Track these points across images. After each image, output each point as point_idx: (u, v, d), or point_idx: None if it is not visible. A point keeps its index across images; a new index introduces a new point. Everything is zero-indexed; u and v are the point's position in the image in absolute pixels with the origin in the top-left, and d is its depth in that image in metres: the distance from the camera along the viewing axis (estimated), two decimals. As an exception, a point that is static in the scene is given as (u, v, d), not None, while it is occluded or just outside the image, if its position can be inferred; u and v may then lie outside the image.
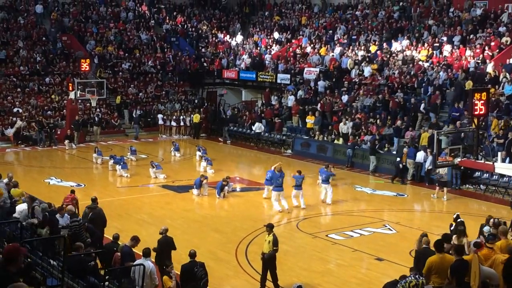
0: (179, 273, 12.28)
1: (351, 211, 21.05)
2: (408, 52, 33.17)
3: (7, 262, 6.55)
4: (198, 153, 28.73)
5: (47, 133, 32.89)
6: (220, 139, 35.46)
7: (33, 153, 31.46)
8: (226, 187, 22.43)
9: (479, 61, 29.43)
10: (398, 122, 28.25)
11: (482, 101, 17.61)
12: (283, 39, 42.00)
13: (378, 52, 34.57)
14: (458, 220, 14.86)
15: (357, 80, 33.51)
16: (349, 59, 35.08)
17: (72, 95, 33.92)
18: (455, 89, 28.14)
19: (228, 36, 46.40)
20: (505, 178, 22.85)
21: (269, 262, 13.64)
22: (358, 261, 16.14)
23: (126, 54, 42.41)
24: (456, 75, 29.13)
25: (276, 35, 42.84)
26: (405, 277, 10.75)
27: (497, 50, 29.98)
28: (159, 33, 45.72)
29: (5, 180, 16.98)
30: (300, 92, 34.92)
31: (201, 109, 37.89)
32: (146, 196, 22.87)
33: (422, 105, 28.51)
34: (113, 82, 39.67)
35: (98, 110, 36.29)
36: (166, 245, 13.45)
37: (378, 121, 29.28)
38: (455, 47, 31.64)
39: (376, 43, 35.70)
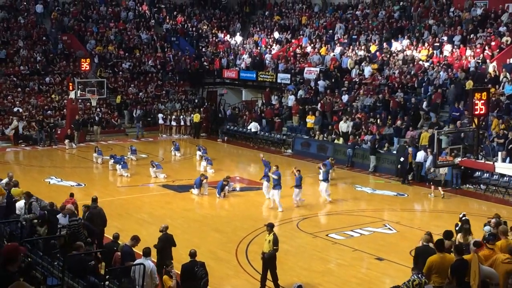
0: (179, 272, 12.28)
1: (351, 211, 21.04)
2: (408, 52, 33.16)
3: (7, 262, 6.55)
4: (199, 153, 28.74)
5: (47, 133, 32.90)
6: (218, 140, 35.40)
7: (33, 152, 31.46)
8: (227, 187, 22.44)
9: (480, 61, 29.42)
10: (398, 122, 28.25)
11: (483, 101, 17.63)
12: (283, 39, 41.98)
13: (377, 53, 34.55)
14: (463, 218, 14.86)
15: (357, 80, 33.50)
16: (349, 59, 35.08)
17: (72, 95, 33.93)
18: (455, 88, 28.13)
19: (228, 35, 46.40)
20: (505, 178, 22.84)
21: (269, 261, 13.64)
22: (358, 260, 16.14)
23: (126, 54, 42.42)
24: (457, 75, 29.13)
25: (276, 34, 42.83)
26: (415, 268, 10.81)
27: (498, 50, 29.97)
28: (159, 32, 45.73)
29: (6, 180, 16.99)
30: (300, 92, 34.92)
31: (201, 109, 37.88)
32: (146, 196, 22.87)
33: (425, 103, 28.51)
34: (113, 82, 39.68)
35: (98, 109, 36.30)
36: (166, 242, 13.51)
37: (378, 120, 29.28)
38: (455, 46, 31.63)
39: (376, 42, 35.70)
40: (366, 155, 27.85)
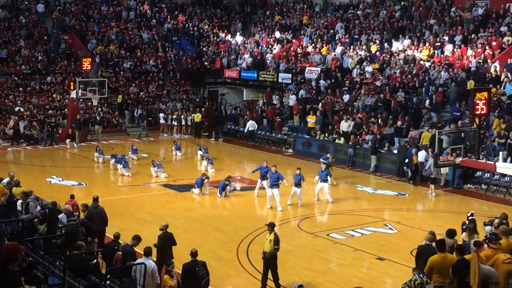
0: (180, 272, 12.28)
1: (352, 211, 21.05)
2: (409, 52, 33.15)
3: (7, 261, 6.55)
4: (200, 152, 28.75)
5: (48, 132, 32.91)
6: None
7: (34, 152, 31.48)
8: (228, 187, 22.46)
9: (481, 61, 29.41)
10: (399, 122, 28.24)
11: (484, 101, 17.59)
12: (284, 39, 41.96)
13: (377, 53, 34.52)
14: (470, 218, 14.87)
15: (358, 80, 33.50)
16: (350, 58, 35.07)
17: (73, 94, 33.95)
18: (457, 88, 28.13)
19: (229, 35, 46.40)
20: (506, 178, 22.85)
21: (270, 261, 13.64)
22: (359, 260, 16.15)
23: (128, 53, 42.43)
24: (458, 75, 29.12)
25: (277, 34, 42.82)
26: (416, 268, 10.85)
27: (499, 50, 29.95)
28: (161, 32, 45.74)
29: (7, 179, 17.00)
30: (302, 92, 34.91)
31: (203, 109, 37.89)
32: (147, 195, 22.88)
33: (427, 102, 28.49)
34: (114, 81, 39.71)
35: (99, 109, 36.32)
36: (167, 240, 13.54)
37: (379, 120, 29.27)
38: (456, 46, 31.62)
39: (377, 42, 35.68)
40: (367, 155, 27.84)
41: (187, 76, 42.36)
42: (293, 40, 41.20)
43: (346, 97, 32.46)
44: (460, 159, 18.09)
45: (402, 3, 38.14)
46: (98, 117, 35.33)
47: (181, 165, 29.31)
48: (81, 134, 33.51)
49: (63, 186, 23.54)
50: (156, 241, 13.65)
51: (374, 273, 15.24)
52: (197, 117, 36.34)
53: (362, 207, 21.58)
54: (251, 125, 34.22)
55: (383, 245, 17.16)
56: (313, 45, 39.03)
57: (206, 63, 42.89)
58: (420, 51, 32.79)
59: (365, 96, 31.74)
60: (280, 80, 37.62)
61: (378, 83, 32.17)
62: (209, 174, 24.37)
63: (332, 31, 39.78)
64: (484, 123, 23.08)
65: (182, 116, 36.82)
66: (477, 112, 17.81)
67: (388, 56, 33.80)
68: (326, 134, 30.69)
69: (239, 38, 45.31)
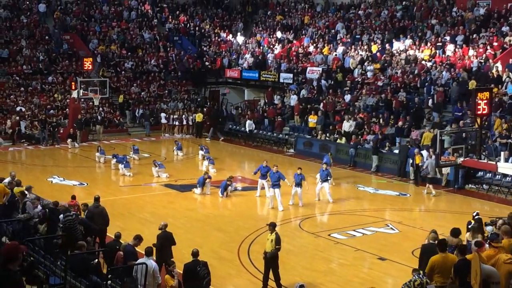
0: (181, 272, 12.28)
1: (353, 211, 21.04)
2: (411, 52, 33.13)
3: (7, 261, 6.55)
4: (201, 152, 28.74)
5: (50, 132, 32.92)
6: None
7: (35, 151, 31.49)
8: (230, 187, 22.45)
9: (482, 61, 29.40)
10: (400, 122, 28.23)
11: (485, 101, 17.58)
12: (285, 39, 41.95)
13: (378, 54, 34.49)
14: (476, 217, 14.87)
15: (359, 80, 33.48)
16: (351, 58, 35.05)
17: (75, 94, 33.96)
18: (459, 88, 28.11)
19: (230, 35, 46.39)
20: (508, 178, 22.84)
21: (271, 261, 13.63)
22: (360, 260, 16.14)
23: (129, 53, 42.44)
24: (459, 75, 29.10)
25: (279, 34, 42.81)
26: (417, 269, 10.85)
27: (500, 50, 29.92)
28: (162, 32, 45.75)
29: (8, 179, 17.00)
30: (303, 92, 34.90)
31: (205, 109, 37.91)
32: (148, 195, 22.89)
33: (430, 101, 28.45)
34: (115, 81, 39.73)
35: (100, 109, 36.34)
36: (166, 240, 13.56)
37: (380, 120, 29.25)
38: (458, 46, 31.60)
39: (379, 42, 35.67)
40: (368, 155, 27.82)
41: (189, 76, 42.36)
42: (294, 41, 41.17)
43: (347, 97, 32.45)
44: (462, 159, 18.09)
45: (404, 3, 38.11)
46: (99, 117, 35.36)
47: (183, 165, 29.32)
48: (83, 134, 33.52)
49: (65, 186, 23.56)
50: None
51: (375, 273, 15.23)
52: (199, 117, 36.34)
53: (363, 207, 21.56)
54: (249, 124, 34.34)
55: (384, 245, 17.15)
56: (314, 45, 39.02)
57: (207, 63, 42.88)
58: (422, 51, 32.77)
59: (367, 96, 31.73)
60: (281, 80, 37.61)
61: (380, 83, 32.15)
62: (210, 174, 24.37)
63: (333, 31, 39.77)
64: (486, 123, 23.08)
65: (184, 116, 36.83)
66: (479, 112, 17.81)
67: (390, 56, 33.77)
68: (328, 134, 30.67)
69: (240, 38, 45.30)
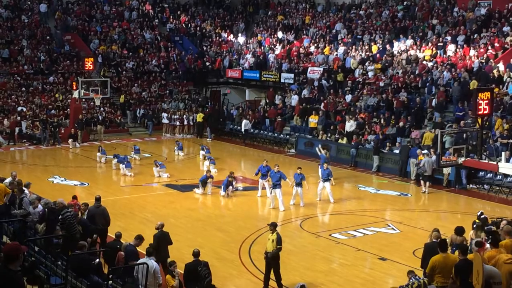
0: (182, 272, 12.28)
1: (354, 211, 21.03)
2: (412, 52, 33.12)
3: (8, 261, 6.56)
4: (202, 152, 28.75)
5: (51, 132, 32.93)
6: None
7: (37, 151, 31.51)
8: (231, 186, 22.42)
9: (483, 61, 29.39)
10: (401, 122, 28.21)
11: (486, 101, 17.56)
12: (285, 39, 41.95)
13: (377, 55, 34.47)
14: (482, 217, 14.88)
15: (360, 80, 33.48)
16: (352, 58, 35.05)
17: (76, 94, 33.97)
18: (461, 88, 28.08)
19: (231, 35, 46.40)
20: (509, 178, 22.82)
21: (272, 261, 13.64)
22: (361, 260, 16.13)
23: (130, 53, 42.47)
24: (460, 75, 29.09)
25: (280, 34, 42.82)
26: (412, 272, 10.85)
27: (502, 50, 29.90)
28: (163, 32, 45.76)
29: (9, 179, 17.01)
30: (305, 92, 34.89)
31: (207, 109, 37.94)
32: (149, 195, 22.89)
33: (434, 101, 28.43)
34: (117, 81, 39.75)
35: (102, 109, 36.35)
36: (162, 239, 13.57)
37: (381, 120, 29.25)
38: (459, 46, 31.59)
39: (380, 43, 35.66)
40: (369, 155, 27.81)
41: (190, 76, 42.38)
42: (294, 42, 41.14)
43: (348, 97, 32.45)
44: (463, 159, 18.07)
45: (405, 3, 38.09)
46: (100, 117, 35.37)
47: (184, 165, 29.32)
48: (84, 134, 33.55)
49: (66, 186, 23.58)
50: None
51: (376, 273, 15.23)
52: (199, 117, 36.36)
53: (364, 207, 21.55)
54: (245, 124, 34.57)
55: (385, 245, 17.14)
56: (315, 45, 39.01)
57: (207, 63, 42.88)
58: (423, 51, 32.77)
59: (368, 96, 31.73)
60: (282, 80, 37.62)
61: (381, 83, 32.13)
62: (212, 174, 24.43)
63: (334, 31, 39.77)
64: (487, 123, 23.07)
65: (184, 116, 36.85)
66: (480, 112, 17.79)
67: (391, 56, 33.76)
68: (329, 134, 30.66)
69: (241, 38, 45.30)
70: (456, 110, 27.29)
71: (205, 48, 44.83)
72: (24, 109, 35.02)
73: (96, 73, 38.73)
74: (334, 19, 41.06)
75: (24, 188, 15.69)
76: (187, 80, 42.23)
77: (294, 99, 34.65)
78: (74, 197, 16.85)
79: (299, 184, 20.67)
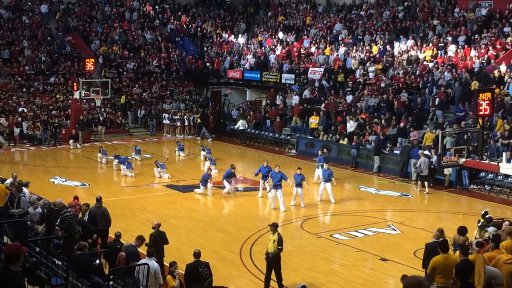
0: (183, 272, 12.28)
1: (355, 211, 21.03)
2: (413, 52, 33.11)
3: (8, 262, 6.56)
4: (203, 153, 28.78)
5: (52, 133, 32.96)
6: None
7: (38, 152, 31.53)
8: (231, 185, 22.42)
9: (484, 61, 29.37)
10: (402, 123, 28.20)
11: (487, 101, 17.56)
12: (285, 40, 41.94)
13: (377, 55, 34.47)
14: (487, 216, 14.88)
15: (361, 80, 33.47)
16: (353, 59, 35.05)
17: (77, 95, 33.99)
18: (462, 88, 28.07)
19: (232, 36, 46.40)
20: (510, 179, 22.81)
21: (274, 261, 13.64)
22: (362, 261, 16.12)
23: (131, 54, 42.50)
24: (461, 75, 29.08)
25: (280, 35, 42.82)
26: (406, 277, 10.81)
27: (503, 51, 29.87)
28: (164, 33, 45.77)
29: (10, 180, 17.04)
30: (306, 92, 34.89)
31: (209, 110, 37.96)
32: (150, 196, 22.90)
33: (437, 100, 28.40)
34: (117, 82, 39.77)
35: (102, 109, 36.38)
36: (159, 239, 13.59)
37: (382, 121, 29.24)
38: (460, 47, 31.57)
39: (380, 43, 35.65)
40: (370, 155, 27.80)
41: (190, 77, 42.39)
42: (294, 43, 41.13)
43: (349, 98, 32.44)
44: (464, 159, 18.07)
45: (406, 3, 38.08)
46: (101, 118, 35.38)
47: (184, 165, 29.33)
48: (84, 134, 33.57)
49: (67, 186, 23.58)
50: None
51: (377, 274, 15.22)
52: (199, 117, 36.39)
53: (365, 208, 21.54)
54: (241, 124, 34.77)
55: (386, 246, 17.13)
56: (316, 45, 39.02)
57: (207, 63, 42.89)
58: (424, 52, 32.75)
59: (368, 97, 31.72)
60: (283, 81, 37.62)
61: (381, 84, 32.13)
62: (212, 174, 24.42)
63: (334, 31, 39.76)
64: (488, 123, 23.05)
65: (185, 116, 36.85)
66: (481, 113, 17.79)
67: (391, 57, 33.76)
68: (330, 135, 30.65)
69: (242, 39, 45.29)
70: (457, 111, 27.27)
71: (205, 49, 44.83)
72: (25, 110, 35.05)
73: (97, 74, 38.77)
74: (335, 19, 41.05)
75: (22, 188, 15.69)
76: (188, 80, 42.24)
77: (295, 100, 34.64)
78: (76, 198, 16.88)
79: (299, 184, 20.67)
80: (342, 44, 37.54)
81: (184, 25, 46.97)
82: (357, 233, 18.30)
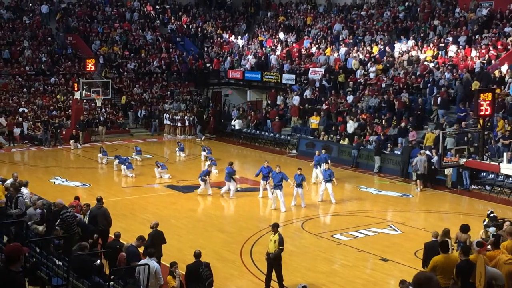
0: (184, 273, 12.27)
1: (356, 212, 21.02)
2: (413, 53, 33.09)
3: (9, 262, 6.56)
4: (203, 153, 28.78)
5: (52, 133, 32.97)
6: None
7: (38, 153, 31.53)
8: (229, 187, 22.42)
9: (485, 62, 29.36)
10: (403, 123, 28.19)
11: (488, 102, 17.55)
12: (284, 40, 41.94)
13: (378, 55, 34.46)
14: (491, 216, 14.87)
15: (362, 81, 33.46)
16: (353, 59, 35.03)
17: (77, 95, 34.00)
18: (463, 88, 28.05)
19: (233, 36, 46.39)
20: (510, 179, 22.81)
21: (274, 261, 13.63)
22: (363, 261, 16.11)
23: (131, 54, 42.50)
24: (462, 75, 29.06)
25: (281, 35, 42.82)
26: (404, 282, 10.82)
27: (504, 51, 29.86)
28: (164, 33, 45.78)
29: (11, 180, 17.03)
30: (307, 92, 34.87)
31: (209, 110, 37.97)
32: (151, 196, 22.89)
33: (439, 99, 28.37)
34: (118, 82, 39.77)
35: (103, 110, 36.39)
36: (157, 238, 13.60)
37: (383, 121, 29.23)
38: (460, 47, 31.55)
39: (381, 43, 35.64)
40: (371, 155, 27.79)
41: (191, 77, 42.38)
42: (294, 44, 41.11)
43: (350, 98, 32.43)
44: (464, 160, 18.06)
45: (406, 3, 38.07)
46: (102, 118, 35.39)
47: (185, 166, 29.33)
48: (85, 135, 33.57)
49: (67, 187, 23.59)
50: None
51: (378, 274, 15.22)
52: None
53: (365, 208, 21.54)
54: (238, 123, 35.00)
55: (386, 246, 17.13)
56: (316, 46, 39.01)
57: (208, 64, 42.88)
58: (424, 52, 32.74)
59: (369, 97, 31.71)
60: (284, 81, 37.60)
61: (382, 84, 32.12)
62: (212, 175, 24.42)
63: (335, 31, 39.75)
64: (489, 124, 23.03)
65: (186, 117, 36.85)
66: (481, 113, 17.78)
67: (392, 57, 33.75)
68: (331, 135, 30.64)
69: (242, 39, 45.28)
70: (458, 111, 27.25)
71: (206, 49, 44.83)
72: (26, 110, 35.06)
73: (97, 74, 38.77)
74: (336, 20, 41.03)
75: (21, 188, 15.67)
76: (189, 81, 42.22)
77: (295, 100, 34.63)
78: (76, 198, 16.88)
79: (299, 185, 20.67)
80: (343, 45, 37.53)
81: (185, 26, 46.97)
82: (358, 233, 18.30)
